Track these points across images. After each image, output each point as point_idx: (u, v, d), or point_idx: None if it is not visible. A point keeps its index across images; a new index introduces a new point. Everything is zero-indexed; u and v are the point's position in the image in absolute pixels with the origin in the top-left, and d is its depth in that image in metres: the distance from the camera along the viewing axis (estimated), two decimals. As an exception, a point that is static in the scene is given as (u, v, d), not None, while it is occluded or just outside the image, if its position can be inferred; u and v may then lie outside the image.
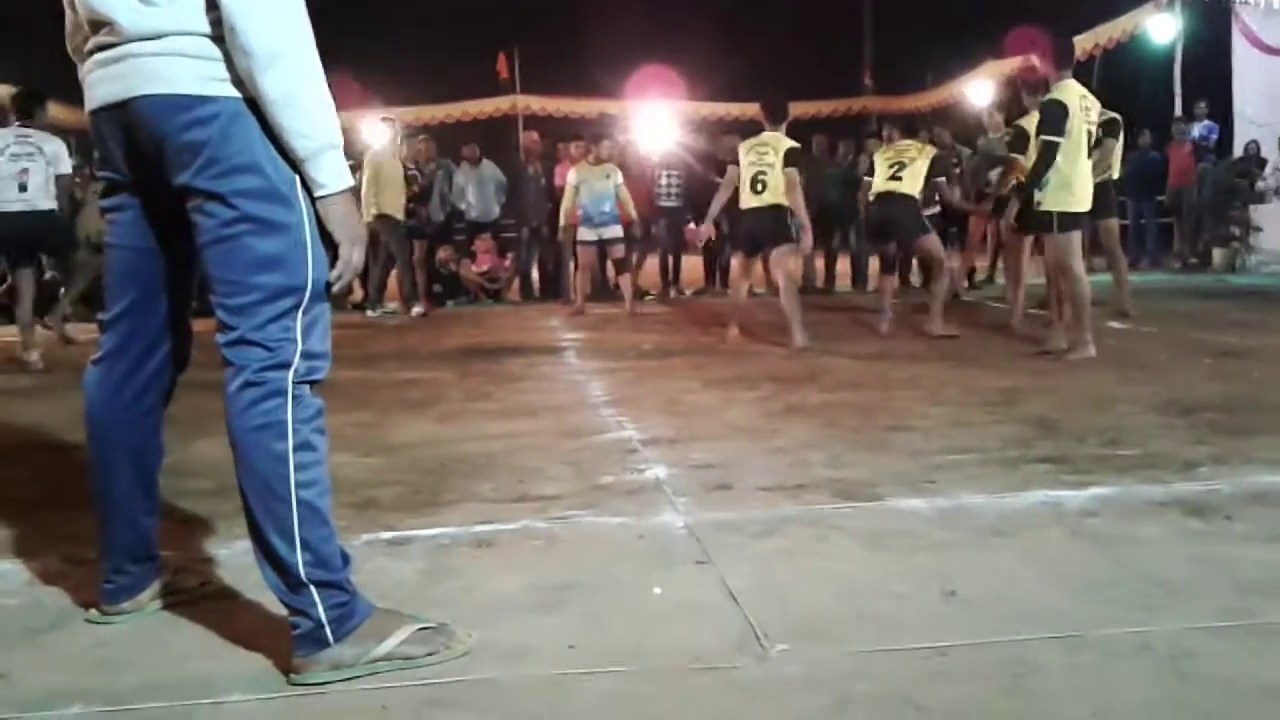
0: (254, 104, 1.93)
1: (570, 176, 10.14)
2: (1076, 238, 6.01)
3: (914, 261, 10.59)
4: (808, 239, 7.69)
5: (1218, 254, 12.88)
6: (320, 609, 1.95)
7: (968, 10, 19.17)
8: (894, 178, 7.35)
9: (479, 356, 6.99)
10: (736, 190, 7.21)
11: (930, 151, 7.61)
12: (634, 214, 10.34)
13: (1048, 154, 5.88)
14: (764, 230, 7.06)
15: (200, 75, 1.93)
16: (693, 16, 22.54)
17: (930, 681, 1.89)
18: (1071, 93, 5.97)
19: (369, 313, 10.43)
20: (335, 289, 2.05)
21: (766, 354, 6.71)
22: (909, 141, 7.73)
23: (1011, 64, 15.98)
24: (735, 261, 8.15)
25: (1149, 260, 13.83)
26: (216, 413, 2.04)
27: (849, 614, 2.22)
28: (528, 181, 11.57)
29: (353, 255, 2.03)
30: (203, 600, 2.37)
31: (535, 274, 12.06)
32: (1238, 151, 13.56)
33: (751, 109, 18.64)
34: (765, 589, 2.39)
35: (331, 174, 1.97)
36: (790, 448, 3.88)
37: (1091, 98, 6.14)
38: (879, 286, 8.46)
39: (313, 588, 1.95)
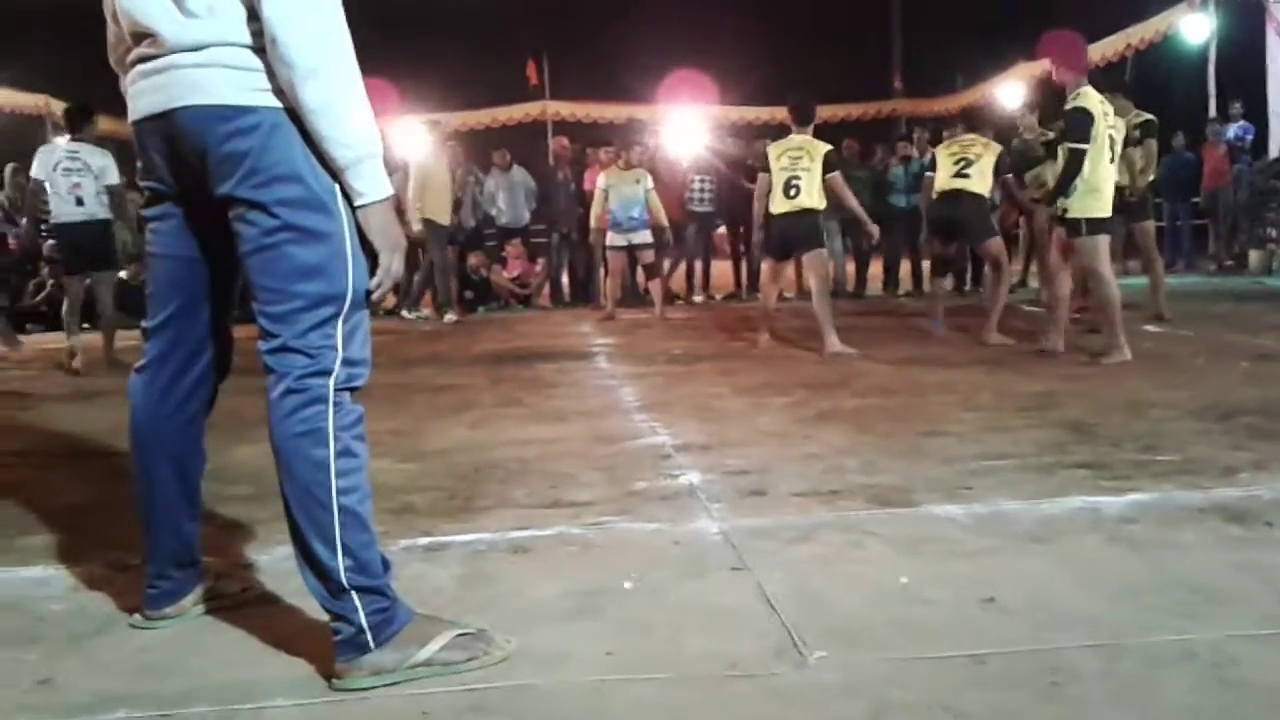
0: (294, 114, 1.96)
1: (600, 181, 10.16)
2: (1105, 242, 6.00)
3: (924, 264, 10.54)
4: (874, 229, 8.00)
5: (1254, 256, 12.73)
6: (361, 614, 1.97)
7: (998, 12, 19.07)
8: (960, 174, 7.18)
9: (511, 362, 7.03)
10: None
11: (996, 147, 7.36)
12: (664, 220, 10.32)
13: (1075, 161, 5.87)
14: (795, 234, 7.02)
15: (241, 86, 1.96)
16: (721, 20, 22.53)
17: (968, 689, 1.88)
18: (1093, 99, 5.97)
19: (405, 313, 10.52)
20: (375, 296, 2.07)
21: (798, 359, 6.70)
22: (974, 136, 7.46)
23: (1043, 65, 15.88)
24: (765, 266, 8.07)
25: (1184, 262, 13.70)
26: (255, 418, 2.08)
27: (886, 621, 2.22)
28: (558, 187, 11.63)
29: (392, 263, 2.05)
30: (245, 606, 2.39)
31: (565, 279, 12.11)
32: (1273, 152, 13.39)
33: (781, 113, 18.65)
34: (802, 595, 2.38)
35: (371, 182, 2.00)
36: (823, 453, 3.87)
37: (1107, 102, 6.13)
38: (931, 290, 8.35)
39: (354, 593, 1.97)
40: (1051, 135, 8.11)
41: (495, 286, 11.73)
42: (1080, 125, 5.90)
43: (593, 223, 10.33)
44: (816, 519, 3.01)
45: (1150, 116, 7.75)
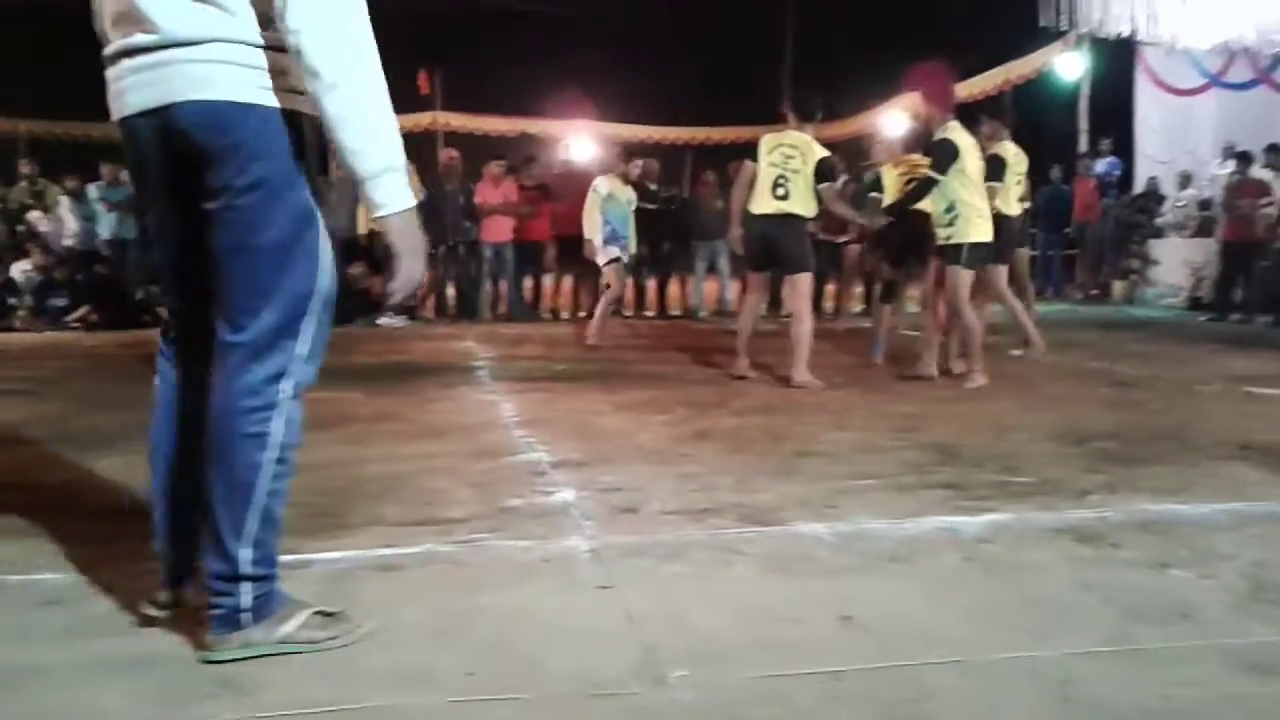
0: (291, 115, 2.00)
1: (600, 185, 8.85)
2: (970, 277, 6.29)
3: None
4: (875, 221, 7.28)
5: (1117, 286, 13.33)
6: (249, 598, 2.07)
7: (884, 43, 19.58)
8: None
9: (389, 375, 6.91)
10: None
11: None
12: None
13: (925, 186, 6.23)
14: (776, 243, 6.31)
15: (245, 83, 1.98)
16: (616, 41, 22.66)
17: (825, 707, 1.92)
18: (959, 132, 6.26)
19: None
20: (393, 301, 2.19)
21: (679, 377, 6.74)
22: (921, 157, 6.86)
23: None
24: (750, 278, 7.12)
25: (1054, 290, 14.26)
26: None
27: (747, 639, 2.24)
28: (446, 199, 11.49)
29: (412, 269, 2.07)
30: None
31: (451, 292, 11.97)
32: (1139, 188, 14.07)
33: (674, 132, 18.88)
34: (666, 614, 2.40)
35: (390, 194, 2.02)
36: (699, 472, 3.90)
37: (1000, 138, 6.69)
38: (875, 316, 7.89)
39: (248, 581, 2.07)
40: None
41: (376, 297, 11.48)
42: (945, 155, 6.13)
43: (588, 231, 8.81)
44: (687, 537, 3.04)
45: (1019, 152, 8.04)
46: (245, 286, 2.04)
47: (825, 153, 6.31)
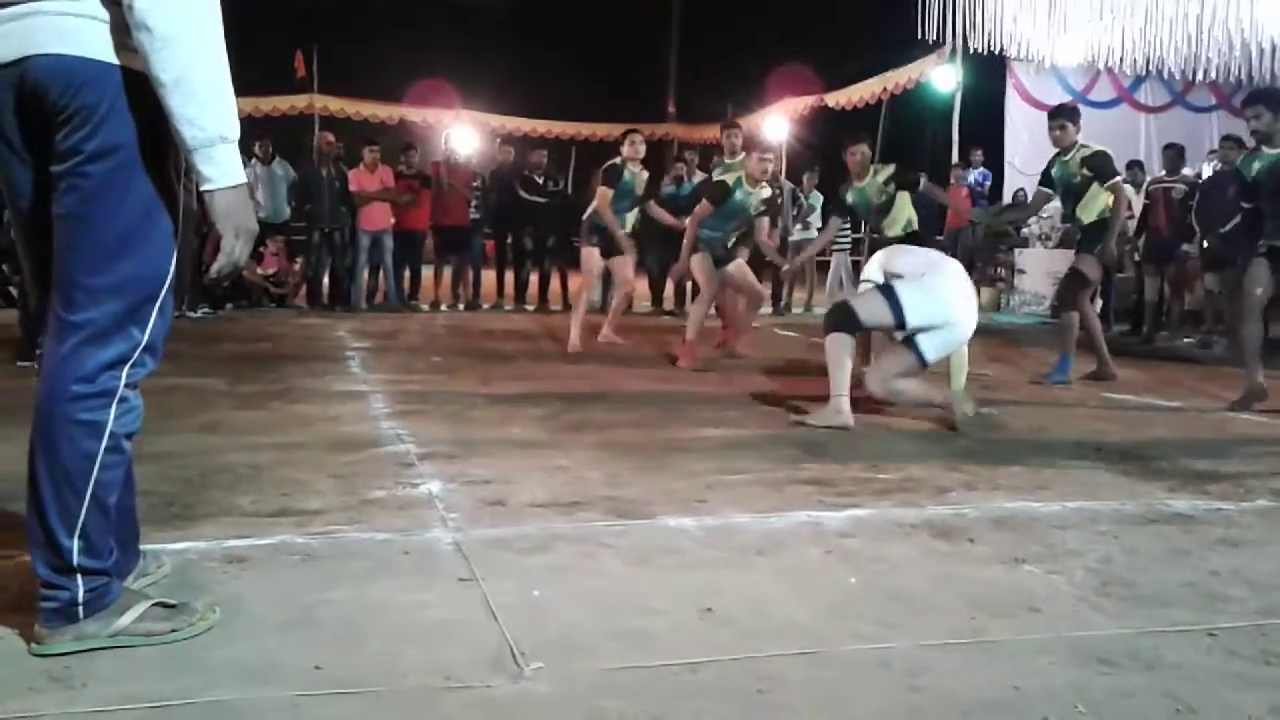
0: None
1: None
2: None
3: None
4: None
5: (985, 293, 13.73)
6: (80, 591, 1.99)
7: (768, 47, 19.89)
8: None
9: (257, 364, 6.69)
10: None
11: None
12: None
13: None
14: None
15: (106, 40, 1.87)
16: (502, 32, 22.51)
17: (679, 698, 1.90)
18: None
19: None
20: (208, 279, 2.10)
21: (555, 371, 6.70)
22: None
23: (805, 102, 16.67)
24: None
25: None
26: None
27: (607, 631, 2.22)
28: (322, 184, 11.18)
29: (235, 247, 1.98)
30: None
31: (326, 280, 11.66)
32: (1007, 198, 14.54)
33: (559, 126, 18.78)
34: (527, 606, 2.36)
35: (221, 168, 1.91)
36: (570, 465, 3.87)
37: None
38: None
39: (79, 573, 1.99)
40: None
41: (247, 283, 11.14)
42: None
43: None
44: (553, 530, 3.00)
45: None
46: (86, 263, 1.92)
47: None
